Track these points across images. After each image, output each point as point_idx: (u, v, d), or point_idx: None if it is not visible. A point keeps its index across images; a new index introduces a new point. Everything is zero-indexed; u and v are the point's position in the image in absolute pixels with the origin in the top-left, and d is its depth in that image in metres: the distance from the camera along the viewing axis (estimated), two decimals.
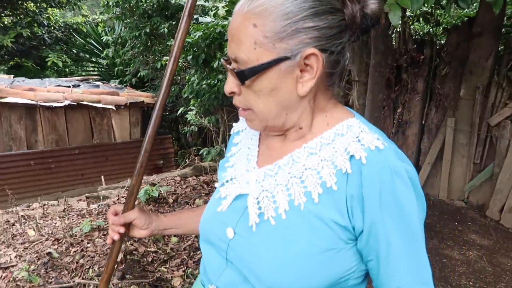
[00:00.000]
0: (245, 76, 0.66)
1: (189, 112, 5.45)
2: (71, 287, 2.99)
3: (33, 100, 5.01)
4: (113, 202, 4.74)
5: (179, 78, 5.35)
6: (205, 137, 6.38)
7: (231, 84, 0.72)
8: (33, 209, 4.64)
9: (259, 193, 0.74)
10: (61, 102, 5.15)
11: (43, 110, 5.23)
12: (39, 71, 12.13)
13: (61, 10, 13.42)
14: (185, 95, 4.81)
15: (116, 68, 7.13)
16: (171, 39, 6.65)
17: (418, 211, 0.67)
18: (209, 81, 4.32)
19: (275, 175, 0.74)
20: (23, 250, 3.60)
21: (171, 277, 3.27)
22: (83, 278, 3.13)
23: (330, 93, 0.74)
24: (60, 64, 11.31)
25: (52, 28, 12.20)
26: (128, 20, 6.42)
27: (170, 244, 3.81)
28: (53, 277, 3.18)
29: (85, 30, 10.01)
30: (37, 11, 11.90)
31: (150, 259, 3.54)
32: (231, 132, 0.95)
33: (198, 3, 6.89)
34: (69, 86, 5.89)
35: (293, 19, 0.63)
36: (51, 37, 12.15)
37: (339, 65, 0.70)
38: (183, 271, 3.37)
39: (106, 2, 6.36)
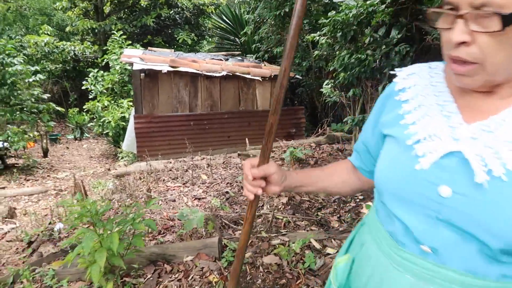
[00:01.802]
0: (510, 20, 0.61)
1: (324, 86, 5.93)
2: (258, 216, 3.75)
3: (198, 70, 5.94)
4: None
5: (325, 53, 5.87)
6: (339, 109, 6.89)
7: (461, 33, 0.66)
8: (196, 161, 5.61)
9: (480, 149, 0.69)
10: (219, 73, 6.02)
11: (204, 79, 6.16)
12: (168, 48, 13.46)
13: None
14: (331, 69, 5.29)
15: (253, 45, 7.91)
16: (306, 18, 7.17)
17: None
18: (359, 55, 4.75)
19: (495, 130, 0.70)
20: (206, 188, 4.50)
21: (329, 220, 3.86)
22: (261, 212, 3.89)
23: None
24: (189, 41, 12.60)
25: (181, 9, 13.50)
26: (270, 1, 7.06)
27: (320, 196, 4.40)
28: (236, 208, 3.99)
29: (221, 12, 10.99)
30: None
31: (306, 206, 4.19)
32: (395, 89, 0.89)
33: None
34: (221, 59, 6.79)
35: None
36: (181, 17, 13.54)
37: None
38: (338, 217, 3.94)
39: None
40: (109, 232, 1.87)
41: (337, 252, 2.47)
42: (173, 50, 8.06)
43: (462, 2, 0.65)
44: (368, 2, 4.84)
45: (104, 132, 8.05)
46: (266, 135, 0.96)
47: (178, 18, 13.44)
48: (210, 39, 15.56)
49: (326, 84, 5.91)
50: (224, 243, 2.43)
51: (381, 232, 0.87)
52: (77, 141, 10.56)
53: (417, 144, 0.77)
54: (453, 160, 0.72)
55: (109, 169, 7.09)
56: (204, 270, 2.14)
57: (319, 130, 6.58)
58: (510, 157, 0.66)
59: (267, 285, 2.09)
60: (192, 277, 2.09)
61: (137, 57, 5.86)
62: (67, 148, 9.54)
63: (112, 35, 8.78)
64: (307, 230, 3.51)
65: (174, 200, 4.21)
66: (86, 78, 8.66)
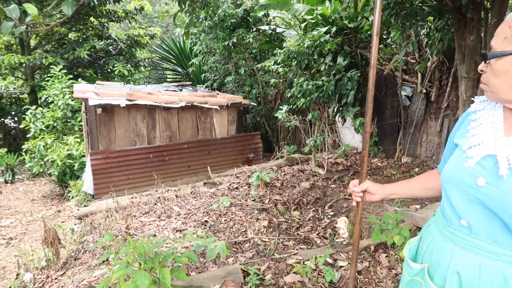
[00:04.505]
0: (487, 56, 0.98)
1: (278, 111, 6.25)
2: (245, 241, 3.83)
3: (156, 102, 5.93)
4: (227, 187, 5.60)
5: (280, 81, 6.21)
6: (290, 132, 7.23)
7: (482, 64, 1.03)
8: (162, 193, 5.52)
9: (509, 153, 0.96)
10: (177, 104, 6.07)
11: (161, 111, 6.15)
12: (101, 79, 13.02)
13: (119, 24, 14.63)
14: (289, 94, 5.63)
15: (203, 75, 8.06)
16: (254, 48, 7.53)
17: None
18: (316, 82, 5.14)
19: None
20: (184, 219, 4.47)
21: (311, 237, 4.08)
22: (246, 236, 3.98)
23: None
24: (126, 72, 12.38)
25: (113, 40, 13.24)
26: (217, 32, 7.33)
27: (295, 217, 4.61)
28: (220, 236, 4.03)
29: (165, 43, 11.01)
30: (98, 26, 12.85)
31: (285, 227, 4.37)
32: (469, 111, 1.18)
33: (275, 14, 7.76)
34: (176, 90, 6.83)
35: None
36: (115, 48, 13.26)
37: None
38: (317, 235, 4.17)
39: (197, 18, 7.28)
40: (148, 269, 1.88)
41: (348, 264, 2.68)
42: (122, 83, 7.91)
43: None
44: (315, 33, 5.30)
45: (48, 172, 7.54)
46: (361, 165, 1.47)
47: (112, 50, 13.16)
48: (143, 69, 15.39)
49: (278, 110, 6.23)
50: (241, 268, 2.50)
51: (439, 216, 1.18)
52: (8, 184, 9.69)
53: (469, 149, 1.06)
54: (490, 161, 0.99)
55: (59, 211, 6.65)
56: None
57: (277, 153, 6.86)
58: None
59: None
60: None
61: (91, 92, 5.69)
62: (0, 192, 8.72)
63: (51, 70, 8.36)
64: (297, 249, 3.68)
65: (155, 235, 4.13)
66: (23, 116, 8.10)
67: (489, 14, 3.74)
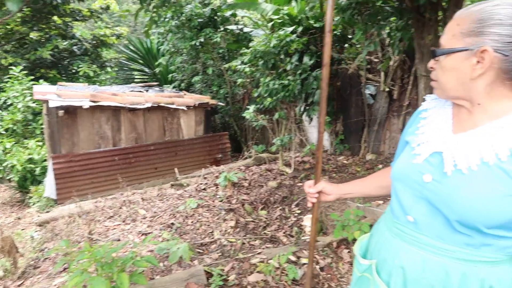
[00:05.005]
0: (435, 53, 0.99)
1: (246, 111, 6.24)
2: (211, 242, 3.80)
3: (121, 103, 5.79)
4: (195, 188, 5.53)
5: (248, 81, 6.19)
6: (258, 132, 7.23)
7: (432, 62, 1.03)
8: (128, 196, 5.40)
9: (454, 151, 0.97)
10: (143, 105, 5.95)
11: (126, 112, 6.01)
12: (65, 80, 12.59)
13: (85, 23, 14.19)
14: (256, 94, 5.62)
15: (170, 75, 7.94)
16: (222, 48, 7.49)
17: None
18: (282, 81, 5.16)
19: (468, 140, 0.96)
20: (149, 222, 4.39)
21: (277, 236, 4.08)
22: (213, 237, 3.94)
23: (509, 86, 0.93)
24: (91, 73, 12.02)
25: (78, 40, 12.83)
26: (184, 32, 7.24)
27: (262, 217, 4.61)
28: (186, 238, 3.97)
29: (131, 43, 10.75)
30: (62, 25, 12.42)
31: (252, 226, 4.36)
32: (419, 109, 1.18)
33: (243, 14, 7.75)
34: (141, 91, 6.69)
35: (483, 24, 0.90)
36: (79, 48, 12.85)
37: None
38: (283, 233, 4.18)
39: (163, 17, 7.16)
40: (106, 275, 1.82)
41: None
42: (87, 84, 7.68)
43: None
44: (282, 33, 5.32)
45: (7, 178, 7.22)
46: (316, 165, 1.43)
47: (76, 50, 12.74)
48: (110, 70, 15.00)
49: (246, 109, 6.22)
50: (204, 270, 2.47)
51: (387, 212, 1.20)
52: None
53: (418, 146, 1.07)
54: (437, 158, 1.00)
55: (19, 218, 6.37)
56: None
57: (245, 153, 6.84)
58: (474, 158, 0.93)
59: None
60: None
61: (52, 94, 5.49)
62: None
63: (10, 71, 8.01)
64: (263, 248, 3.67)
65: (119, 240, 4.02)
66: None
67: (446, 14, 3.87)
